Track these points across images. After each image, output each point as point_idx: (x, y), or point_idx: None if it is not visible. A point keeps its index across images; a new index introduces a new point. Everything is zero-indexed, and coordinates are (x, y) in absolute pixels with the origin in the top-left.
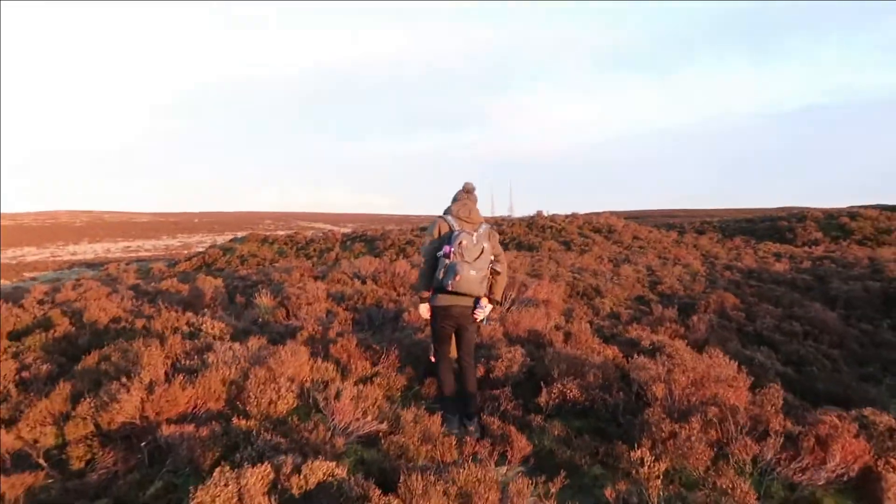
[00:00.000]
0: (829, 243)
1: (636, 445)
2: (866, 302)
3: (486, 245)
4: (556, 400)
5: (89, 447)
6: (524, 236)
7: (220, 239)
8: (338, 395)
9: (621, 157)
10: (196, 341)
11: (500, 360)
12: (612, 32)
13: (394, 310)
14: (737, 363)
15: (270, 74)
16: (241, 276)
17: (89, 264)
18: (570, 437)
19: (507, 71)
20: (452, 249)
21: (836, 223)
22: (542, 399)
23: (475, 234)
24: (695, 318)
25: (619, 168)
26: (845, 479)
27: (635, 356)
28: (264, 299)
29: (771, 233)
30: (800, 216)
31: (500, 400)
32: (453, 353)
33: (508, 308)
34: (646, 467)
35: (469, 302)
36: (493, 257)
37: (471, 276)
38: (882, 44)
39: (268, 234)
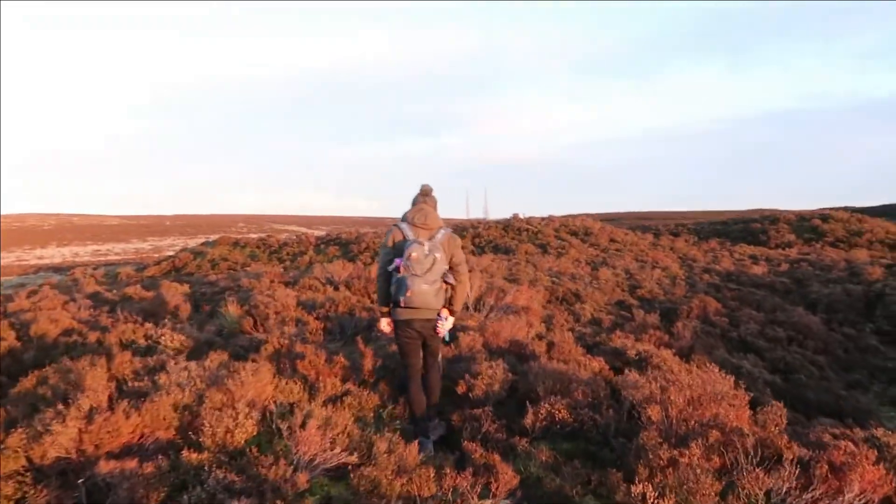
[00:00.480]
0: (802, 245)
1: (634, 473)
2: (848, 305)
3: (437, 256)
4: (544, 422)
5: (20, 484)
6: (500, 239)
7: (192, 242)
8: (303, 424)
9: (598, 160)
10: (149, 358)
11: (480, 378)
12: (592, 37)
13: (367, 318)
14: (733, 377)
15: (253, 78)
16: (210, 282)
17: (56, 269)
18: (559, 463)
19: (487, 75)
20: (402, 263)
21: (808, 225)
22: (528, 420)
23: (427, 243)
24: (679, 324)
25: (596, 171)
26: None
27: (624, 370)
28: (230, 308)
29: (745, 235)
30: (772, 218)
31: (482, 421)
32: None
33: (487, 315)
34: None
35: (431, 315)
36: (447, 267)
37: (423, 290)
38: (857, 52)
39: (240, 237)
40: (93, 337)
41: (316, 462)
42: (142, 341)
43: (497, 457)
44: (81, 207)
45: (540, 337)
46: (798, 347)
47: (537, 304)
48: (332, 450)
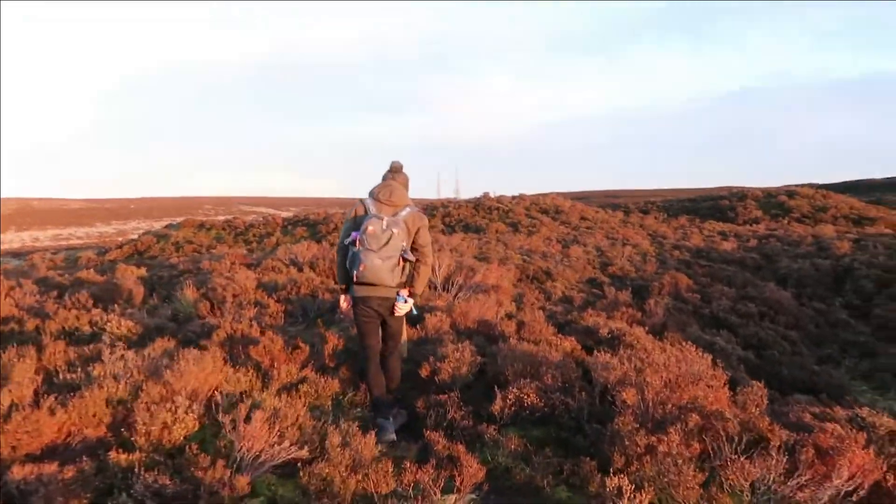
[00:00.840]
0: (770, 221)
1: (609, 461)
2: (817, 280)
3: (395, 231)
4: (513, 407)
5: None
6: (471, 218)
7: (157, 225)
8: (248, 416)
9: (568, 139)
10: (85, 348)
11: (446, 361)
12: (560, 16)
13: (330, 300)
14: (710, 355)
15: (216, 60)
16: (170, 265)
17: (15, 254)
18: (529, 451)
19: (455, 55)
20: (358, 237)
21: (774, 201)
22: (497, 406)
23: (385, 218)
24: (651, 302)
25: (566, 150)
26: (854, 498)
27: (596, 350)
28: (186, 292)
29: (713, 212)
30: (740, 195)
31: (448, 407)
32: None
33: (455, 295)
34: (625, 499)
35: (388, 293)
36: (405, 244)
37: (377, 265)
38: (813, 29)
39: (206, 219)
40: (32, 325)
41: (262, 459)
42: (86, 328)
43: (462, 447)
44: (43, 191)
45: (510, 316)
46: (770, 323)
47: (507, 283)
48: (280, 444)
